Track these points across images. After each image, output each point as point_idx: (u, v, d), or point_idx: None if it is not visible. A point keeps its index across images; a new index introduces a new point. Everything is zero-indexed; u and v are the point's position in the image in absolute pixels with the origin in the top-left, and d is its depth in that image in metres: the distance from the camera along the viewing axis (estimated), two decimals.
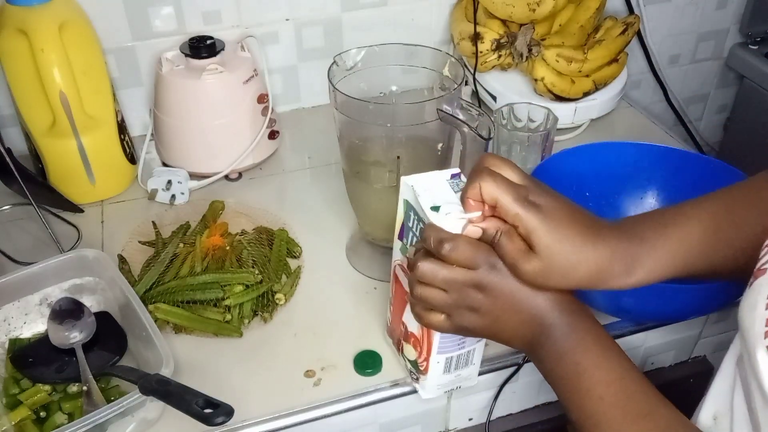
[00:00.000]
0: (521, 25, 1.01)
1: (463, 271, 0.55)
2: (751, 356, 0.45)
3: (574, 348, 0.54)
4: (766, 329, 0.45)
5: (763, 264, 0.49)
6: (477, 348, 0.66)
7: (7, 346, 0.72)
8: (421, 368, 0.65)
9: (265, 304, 0.76)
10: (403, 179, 0.61)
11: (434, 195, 0.58)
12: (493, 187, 0.52)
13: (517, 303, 0.55)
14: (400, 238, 0.64)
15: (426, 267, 0.55)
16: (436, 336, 0.61)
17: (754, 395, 0.47)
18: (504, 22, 1.02)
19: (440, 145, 0.74)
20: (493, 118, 0.71)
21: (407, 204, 0.61)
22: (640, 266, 0.55)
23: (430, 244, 0.55)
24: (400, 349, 0.69)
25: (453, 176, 0.60)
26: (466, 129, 0.68)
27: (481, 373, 0.71)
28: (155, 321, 0.69)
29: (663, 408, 0.51)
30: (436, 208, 0.57)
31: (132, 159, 0.96)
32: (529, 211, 0.52)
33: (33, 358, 0.70)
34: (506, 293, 0.55)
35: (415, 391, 0.69)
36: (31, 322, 0.74)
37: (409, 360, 0.68)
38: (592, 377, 0.52)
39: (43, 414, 0.66)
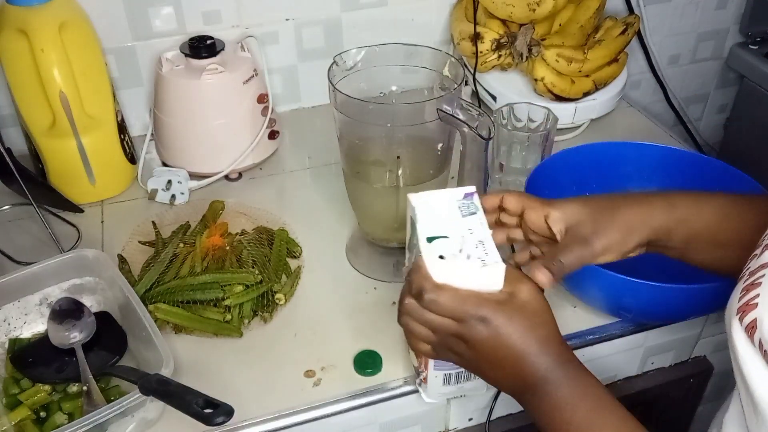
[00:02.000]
0: (521, 25, 1.01)
1: (445, 321, 0.54)
2: (728, 334, 0.47)
3: (562, 403, 0.53)
4: (739, 304, 0.46)
5: (744, 272, 0.49)
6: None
7: (7, 346, 0.72)
8: (422, 377, 0.65)
9: (265, 304, 0.76)
10: (409, 197, 0.58)
11: (437, 221, 0.55)
12: (516, 197, 0.55)
13: (503, 359, 0.54)
14: (410, 249, 0.63)
15: (410, 306, 0.55)
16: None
17: (737, 380, 0.47)
18: (504, 22, 1.02)
19: (440, 145, 0.74)
20: (493, 118, 0.71)
21: (411, 222, 0.59)
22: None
23: (411, 289, 0.54)
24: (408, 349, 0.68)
25: (466, 196, 0.57)
26: (466, 129, 0.68)
27: None
28: (155, 321, 0.69)
29: None
30: (431, 239, 0.54)
31: (132, 159, 0.96)
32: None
33: (33, 358, 0.70)
34: (492, 348, 0.54)
35: (415, 391, 0.69)
36: (31, 322, 0.74)
37: (413, 364, 0.68)
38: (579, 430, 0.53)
39: (43, 414, 0.66)
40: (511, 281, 0.55)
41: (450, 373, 0.63)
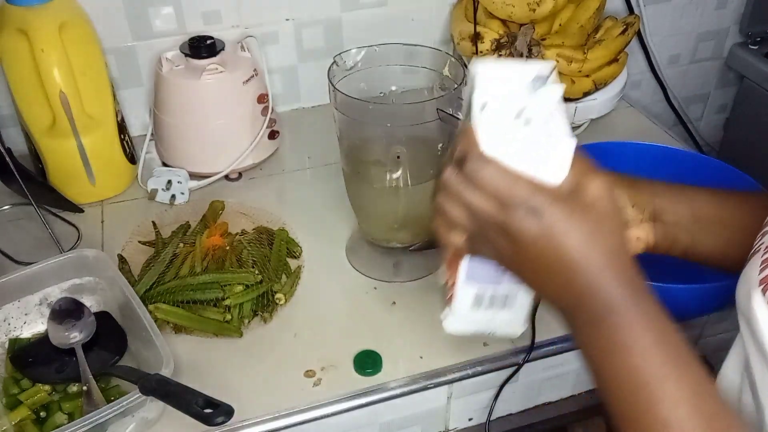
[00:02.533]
0: (521, 25, 1.01)
1: (487, 204, 0.44)
2: (746, 307, 0.43)
3: (628, 346, 0.43)
4: (761, 276, 0.43)
5: (757, 248, 0.48)
6: (521, 290, 0.54)
7: (7, 346, 0.72)
8: (448, 295, 0.55)
9: (265, 304, 0.76)
10: (473, 61, 0.47)
11: (498, 88, 0.45)
12: None
13: (554, 267, 0.44)
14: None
15: (448, 178, 0.46)
16: (465, 260, 0.51)
17: (750, 353, 0.45)
18: (504, 22, 1.02)
19: (440, 145, 0.74)
20: None
21: (469, 90, 0.48)
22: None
23: (455, 154, 0.45)
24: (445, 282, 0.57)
25: (536, 79, 0.46)
26: None
27: (480, 373, 0.71)
28: (155, 321, 0.69)
29: (731, 413, 0.42)
30: (486, 107, 0.45)
31: (132, 159, 0.96)
32: None
33: (33, 358, 0.70)
34: (541, 250, 0.43)
35: (415, 391, 0.70)
36: (31, 322, 0.74)
37: (439, 282, 0.58)
38: (653, 393, 0.42)
39: (43, 414, 0.66)
40: (580, 172, 0.45)
41: (483, 292, 0.53)
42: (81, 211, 0.91)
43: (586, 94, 1.03)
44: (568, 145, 0.43)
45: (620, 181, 0.58)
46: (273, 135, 0.99)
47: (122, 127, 0.94)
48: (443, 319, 0.57)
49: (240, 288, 0.75)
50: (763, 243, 0.47)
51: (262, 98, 0.96)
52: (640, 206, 0.58)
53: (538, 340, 0.73)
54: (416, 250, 0.81)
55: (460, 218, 0.46)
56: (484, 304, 0.54)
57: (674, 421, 0.41)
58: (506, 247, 0.45)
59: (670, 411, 0.41)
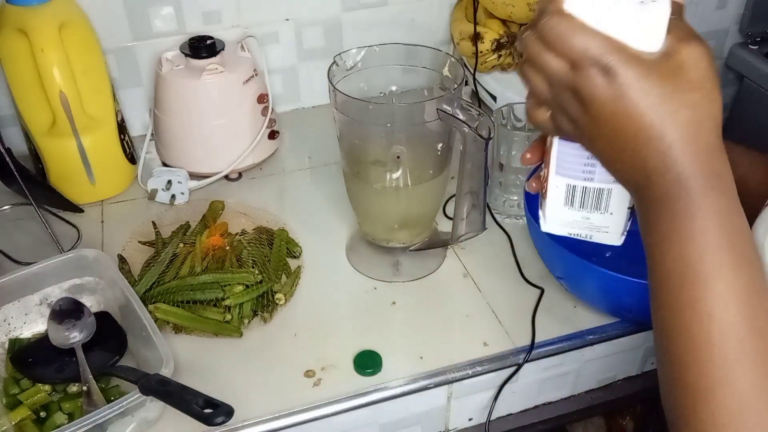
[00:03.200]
0: (521, 25, 1.01)
1: (558, 63, 0.41)
2: (762, 245, 0.41)
3: (688, 236, 0.39)
4: None
5: None
6: (614, 190, 0.52)
7: (7, 346, 0.72)
8: (543, 191, 0.54)
9: (265, 304, 0.76)
10: None
11: None
12: None
13: (625, 133, 0.40)
14: None
15: (527, 40, 0.42)
16: (554, 148, 0.50)
17: None
18: (504, 22, 1.02)
19: (440, 145, 0.74)
20: (493, 118, 0.71)
21: None
22: None
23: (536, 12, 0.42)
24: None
25: None
26: (466, 129, 0.68)
27: (480, 373, 0.71)
28: (155, 321, 0.69)
29: None
30: None
31: (132, 159, 0.96)
32: None
33: (33, 358, 0.70)
34: (612, 115, 0.40)
35: (415, 391, 0.70)
36: (31, 322, 0.74)
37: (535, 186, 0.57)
38: (704, 288, 0.39)
39: (43, 414, 0.66)
40: (676, 37, 0.40)
41: (574, 186, 0.52)
42: (81, 211, 0.91)
43: None
44: (663, 8, 0.39)
45: None
46: (273, 135, 0.99)
47: (122, 127, 0.94)
48: (540, 220, 0.57)
49: (240, 288, 0.75)
50: None
51: (262, 98, 0.96)
52: None
53: (538, 340, 0.73)
54: (416, 250, 0.81)
55: (538, 87, 0.44)
56: (576, 202, 0.53)
57: (717, 321, 0.38)
58: (580, 116, 0.42)
59: (715, 309, 0.38)
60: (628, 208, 0.54)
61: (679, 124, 0.39)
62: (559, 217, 0.55)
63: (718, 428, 0.38)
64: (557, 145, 0.50)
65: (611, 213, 0.54)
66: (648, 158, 0.40)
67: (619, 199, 0.53)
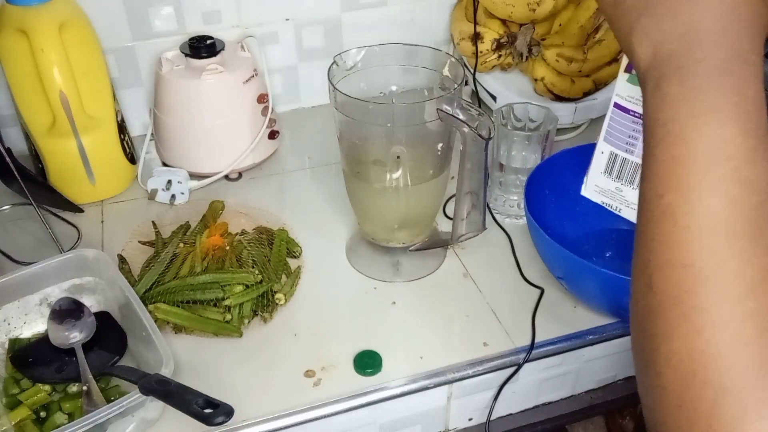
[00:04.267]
0: (521, 25, 1.01)
1: None
2: None
3: (731, 109, 0.35)
4: None
5: None
6: None
7: (7, 346, 0.72)
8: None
9: (265, 304, 0.76)
10: None
11: None
12: None
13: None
14: (628, 70, 0.55)
15: None
16: (608, 115, 0.57)
17: None
18: (504, 22, 1.02)
19: (440, 145, 0.74)
20: (493, 118, 0.71)
21: None
22: None
23: None
24: None
25: None
26: (466, 129, 0.68)
27: (480, 373, 0.71)
28: (155, 321, 0.69)
29: None
30: None
31: (132, 159, 0.96)
32: None
33: (33, 358, 0.70)
34: None
35: (415, 391, 0.70)
36: (31, 322, 0.74)
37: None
38: (735, 169, 0.35)
39: (43, 414, 0.66)
40: None
41: (616, 154, 0.58)
42: (81, 211, 0.91)
43: (586, 94, 1.03)
44: None
45: None
46: (273, 135, 0.99)
47: (122, 127, 0.94)
48: (582, 186, 0.63)
49: (240, 288, 0.75)
50: None
51: (262, 98, 0.96)
52: None
53: (538, 340, 0.73)
54: (416, 250, 0.81)
55: None
56: (614, 171, 0.57)
57: (740, 206, 0.35)
58: None
59: (740, 191, 0.35)
60: None
61: (720, 10, 0.37)
62: (597, 184, 0.60)
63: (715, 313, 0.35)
64: (610, 113, 0.55)
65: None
66: (678, 26, 0.37)
67: None
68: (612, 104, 0.57)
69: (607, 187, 0.63)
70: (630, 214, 0.63)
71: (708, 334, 0.34)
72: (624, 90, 0.56)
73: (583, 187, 0.65)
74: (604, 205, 0.65)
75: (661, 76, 0.38)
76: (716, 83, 0.36)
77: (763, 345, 0.34)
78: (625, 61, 0.60)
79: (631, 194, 0.62)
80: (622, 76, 0.57)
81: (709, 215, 0.35)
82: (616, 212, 0.65)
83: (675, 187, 0.37)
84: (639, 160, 0.59)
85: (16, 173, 0.82)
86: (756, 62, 0.36)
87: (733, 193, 0.35)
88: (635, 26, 0.40)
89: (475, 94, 1.07)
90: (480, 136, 0.67)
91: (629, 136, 0.59)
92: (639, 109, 0.51)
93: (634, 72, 0.53)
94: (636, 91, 0.54)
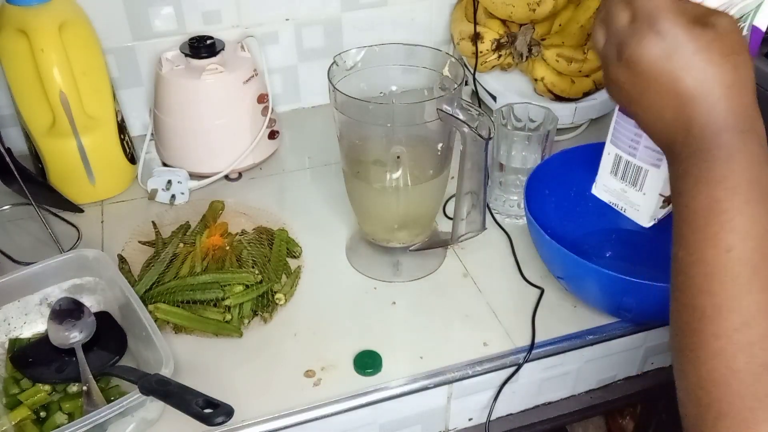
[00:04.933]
0: (521, 25, 1.01)
1: (614, 11, 0.47)
2: None
3: (720, 178, 0.42)
4: None
5: None
6: (650, 172, 0.60)
7: (7, 346, 0.72)
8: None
9: (265, 304, 0.76)
10: None
11: None
12: None
13: (669, 90, 0.44)
14: None
15: None
16: (613, 118, 0.59)
17: None
18: (504, 22, 1.02)
19: (440, 145, 0.74)
20: (493, 118, 0.71)
21: None
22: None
23: None
24: None
25: None
26: (466, 129, 0.68)
27: (480, 373, 0.71)
28: (155, 321, 0.69)
29: None
30: None
31: (132, 159, 0.96)
32: None
33: (33, 358, 0.70)
34: (659, 73, 0.44)
35: (415, 391, 0.70)
36: (31, 322, 0.74)
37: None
38: (729, 222, 0.42)
39: (43, 414, 0.66)
40: (708, 11, 0.45)
41: (620, 156, 0.61)
42: (81, 211, 0.91)
43: (586, 94, 1.03)
44: None
45: None
46: (273, 135, 0.99)
47: (122, 127, 0.94)
48: (593, 185, 0.66)
49: (240, 288, 0.75)
50: None
51: (262, 98, 0.96)
52: None
53: (538, 340, 0.73)
54: (416, 250, 0.81)
55: (596, 36, 0.49)
56: (619, 173, 0.61)
57: (735, 251, 0.42)
58: (626, 78, 0.46)
59: (735, 241, 0.42)
60: (660, 194, 0.61)
61: (725, 84, 0.43)
62: (605, 183, 0.64)
63: (721, 340, 0.42)
64: (615, 116, 0.57)
65: (644, 193, 0.61)
66: (692, 115, 0.44)
67: (653, 183, 0.60)
68: (617, 107, 0.59)
69: (614, 187, 0.65)
70: (634, 215, 0.65)
71: (710, 363, 0.42)
72: None
73: (594, 185, 0.67)
74: (611, 204, 0.68)
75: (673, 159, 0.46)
76: (707, 156, 0.43)
77: (755, 372, 0.40)
78: None
79: (635, 195, 0.64)
80: None
81: (709, 263, 0.42)
82: (622, 212, 0.67)
83: (679, 242, 0.44)
84: (641, 163, 0.61)
85: (16, 173, 0.82)
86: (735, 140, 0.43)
87: (728, 243, 0.42)
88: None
89: (475, 94, 1.07)
90: (480, 136, 0.67)
91: (631, 140, 0.60)
92: None
93: None
94: None
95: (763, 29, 0.52)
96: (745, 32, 0.51)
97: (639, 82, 0.46)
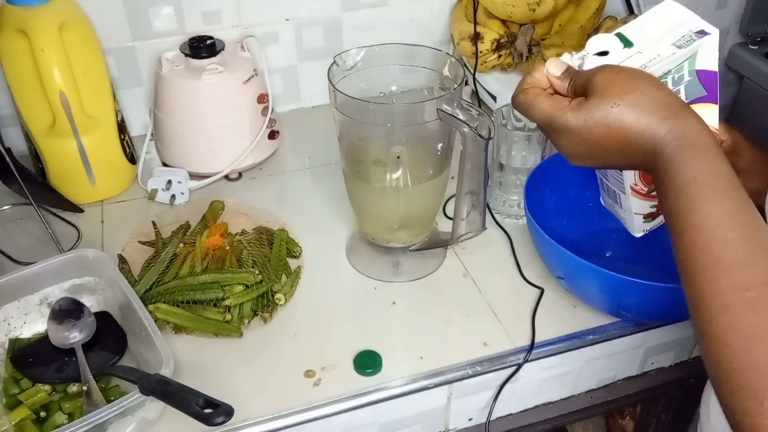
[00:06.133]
0: (521, 25, 1.01)
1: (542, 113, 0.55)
2: None
3: (670, 188, 0.49)
4: None
5: None
6: (622, 196, 0.64)
7: (7, 346, 0.72)
8: None
9: (265, 304, 0.76)
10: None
11: (640, 37, 0.55)
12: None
13: (611, 141, 0.52)
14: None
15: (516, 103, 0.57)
16: None
17: None
18: (504, 22, 1.02)
19: (440, 145, 0.74)
20: (493, 118, 0.71)
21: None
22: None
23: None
24: None
25: (699, 33, 0.56)
26: (466, 129, 0.68)
27: (480, 373, 0.71)
28: (155, 321, 0.69)
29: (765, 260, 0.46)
30: (623, 39, 0.56)
31: (132, 159, 0.96)
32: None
33: (33, 358, 0.70)
34: (607, 134, 0.52)
35: (415, 391, 0.70)
36: (31, 322, 0.74)
37: None
38: (684, 221, 0.48)
39: (43, 414, 0.66)
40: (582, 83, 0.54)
41: (602, 179, 0.66)
42: (81, 211, 0.91)
43: None
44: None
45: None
46: (273, 135, 0.99)
47: (122, 127, 0.94)
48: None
49: (240, 288, 0.75)
50: None
51: (262, 98, 0.96)
52: None
53: (538, 340, 0.73)
54: (416, 250, 0.81)
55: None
56: (605, 191, 0.67)
57: (712, 225, 0.47)
58: (565, 144, 0.55)
59: (709, 218, 0.47)
60: (635, 213, 0.64)
61: (644, 121, 0.51)
62: (602, 198, 0.69)
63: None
64: None
65: (624, 211, 0.65)
66: (639, 150, 0.51)
67: (627, 204, 0.64)
68: None
69: (608, 201, 0.68)
70: (627, 227, 0.69)
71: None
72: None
73: (600, 198, 0.71)
74: (613, 215, 0.71)
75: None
76: (661, 170, 0.51)
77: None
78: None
79: (620, 211, 0.67)
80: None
81: (685, 260, 0.49)
82: (621, 222, 0.70)
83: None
84: (614, 188, 0.66)
85: (16, 173, 0.82)
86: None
87: (692, 239, 0.48)
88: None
89: (475, 94, 1.07)
90: (480, 136, 0.67)
91: (616, 179, 0.63)
92: None
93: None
94: None
95: (713, 69, 0.56)
96: (687, 79, 0.56)
97: (588, 161, 0.56)
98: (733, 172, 0.49)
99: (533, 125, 0.89)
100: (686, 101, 0.56)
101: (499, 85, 1.05)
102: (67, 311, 0.71)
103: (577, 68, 0.56)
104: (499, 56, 1.03)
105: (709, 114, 0.58)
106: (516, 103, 0.57)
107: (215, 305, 0.75)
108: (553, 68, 0.56)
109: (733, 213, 0.47)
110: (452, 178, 0.78)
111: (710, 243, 0.47)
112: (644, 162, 0.52)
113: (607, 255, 0.84)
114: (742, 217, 0.47)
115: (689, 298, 0.49)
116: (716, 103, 0.58)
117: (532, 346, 0.72)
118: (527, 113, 0.57)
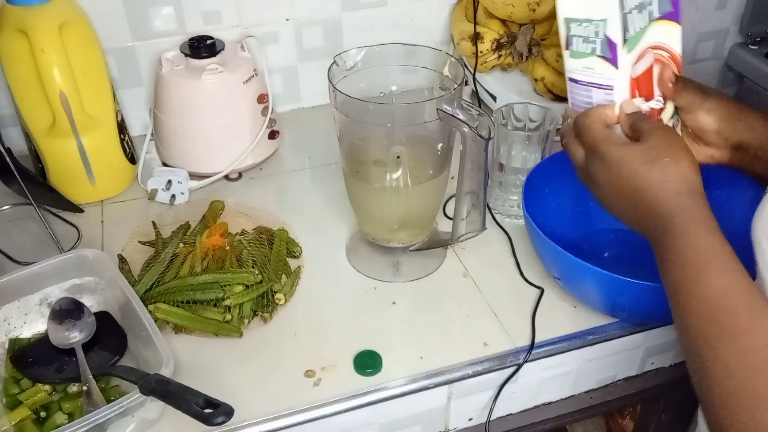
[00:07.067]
0: (521, 25, 1.01)
1: (570, 153, 0.61)
2: (759, 242, 0.52)
3: (677, 259, 0.52)
4: None
5: None
6: None
7: (7, 346, 0.72)
8: None
9: (265, 304, 0.76)
10: None
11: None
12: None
13: (624, 193, 0.57)
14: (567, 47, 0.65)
15: (566, 134, 0.64)
16: (568, 92, 0.67)
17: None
18: (504, 22, 1.02)
19: (440, 145, 0.74)
20: (493, 118, 0.71)
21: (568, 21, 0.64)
22: None
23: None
24: None
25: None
26: (466, 129, 0.68)
27: (480, 373, 0.71)
28: (155, 321, 0.69)
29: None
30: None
31: (132, 159, 0.96)
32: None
33: (33, 358, 0.70)
34: (612, 185, 0.57)
35: (415, 391, 0.70)
36: (31, 322, 0.74)
37: None
38: (689, 293, 0.51)
39: (43, 414, 0.66)
40: (641, 129, 0.59)
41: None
42: (81, 211, 0.91)
43: None
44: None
45: (717, 108, 0.64)
46: (273, 135, 0.99)
47: (122, 127, 0.94)
48: None
49: (240, 288, 0.75)
50: None
51: (262, 98, 0.96)
52: (727, 135, 0.64)
53: (538, 340, 0.73)
54: (416, 250, 0.81)
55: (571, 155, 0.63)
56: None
57: (717, 294, 0.50)
58: (597, 170, 0.59)
59: (715, 288, 0.50)
60: None
61: (654, 182, 0.55)
62: None
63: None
64: (569, 88, 0.66)
65: None
66: (644, 212, 0.56)
67: None
68: (567, 80, 0.66)
69: None
70: None
71: None
72: (570, 65, 0.64)
73: None
74: None
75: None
76: (657, 241, 0.56)
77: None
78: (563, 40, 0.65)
79: None
80: (566, 53, 0.64)
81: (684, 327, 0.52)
82: None
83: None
84: None
85: (16, 173, 0.82)
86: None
87: (690, 307, 0.51)
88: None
89: (475, 94, 1.07)
90: (480, 136, 0.67)
91: (585, 102, 0.65)
92: (586, 78, 0.63)
93: (573, 48, 0.63)
94: (578, 63, 0.63)
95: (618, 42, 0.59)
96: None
97: (604, 196, 0.59)
98: (732, 249, 0.51)
99: (533, 125, 0.89)
100: (658, 15, 0.60)
101: (499, 85, 1.05)
102: (67, 311, 0.71)
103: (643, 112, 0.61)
104: (499, 56, 1.03)
105: (672, 33, 0.62)
106: (576, 121, 0.61)
107: (215, 305, 0.75)
108: (627, 107, 0.61)
109: (735, 284, 0.50)
110: (452, 178, 0.78)
111: (716, 312, 0.49)
112: (650, 226, 0.55)
113: (606, 255, 0.84)
114: (744, 287, 0.50)
115: (693, 365, 0.50)
116: (679, 23, 0.62)
117: (532, 346, 0.72)
118: (579, 134, 0.61)
